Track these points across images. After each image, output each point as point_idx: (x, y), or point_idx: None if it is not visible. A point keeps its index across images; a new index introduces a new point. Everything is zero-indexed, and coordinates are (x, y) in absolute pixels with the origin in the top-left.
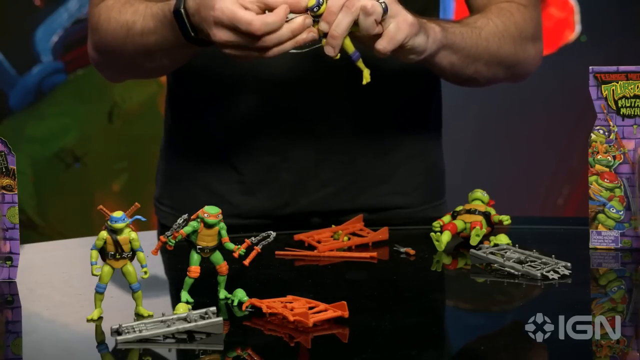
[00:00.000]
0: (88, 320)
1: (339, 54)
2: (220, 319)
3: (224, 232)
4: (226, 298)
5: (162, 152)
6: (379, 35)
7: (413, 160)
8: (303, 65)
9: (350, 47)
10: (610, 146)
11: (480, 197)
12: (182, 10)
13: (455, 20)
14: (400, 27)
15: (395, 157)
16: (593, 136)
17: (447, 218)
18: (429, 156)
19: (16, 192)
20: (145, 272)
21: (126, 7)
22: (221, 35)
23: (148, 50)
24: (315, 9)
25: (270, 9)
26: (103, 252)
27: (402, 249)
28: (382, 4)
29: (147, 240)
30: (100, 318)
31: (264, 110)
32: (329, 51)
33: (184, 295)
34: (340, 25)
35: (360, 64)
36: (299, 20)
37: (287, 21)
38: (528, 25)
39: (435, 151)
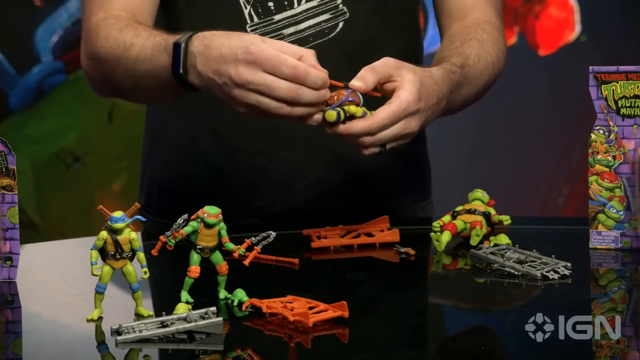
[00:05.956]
0: (88, 320)
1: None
2: (220, 319)
3: (224, 232)
4: (226, 298)
5: (145, 159)
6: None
7: (400, 161)
8: None
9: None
10: (610, 146)
11: (480, 197)
12: (183, 44)
13: (462, 58)
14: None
15: (383, 158)
16: (593, 136)
17: (447, 218)
18: (416, 157)
19: (16, 192)
20: (145, 272)
21: (128, 28)
22: (247, 74)
23: (136, 77)
24: (335, 124)
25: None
26: (103, 252)
27: (402, 249)
28: (382, 150)
29: None
30: (100, 318)
31: None
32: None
33: (184, 295)
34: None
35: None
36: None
37: None
38: (505, 46)
39: (421, 152)
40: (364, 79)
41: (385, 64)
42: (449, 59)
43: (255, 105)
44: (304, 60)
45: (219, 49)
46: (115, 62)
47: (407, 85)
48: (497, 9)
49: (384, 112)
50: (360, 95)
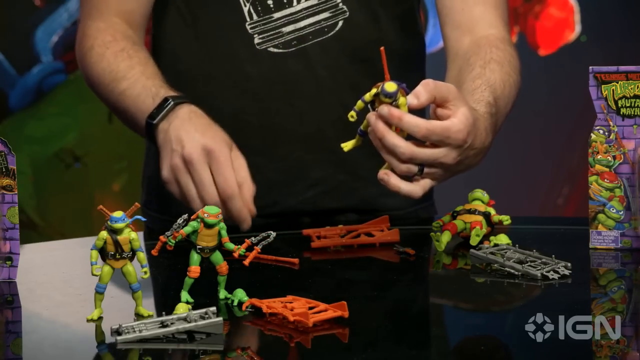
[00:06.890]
0: (88, 320)
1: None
2: (220, 319)
3: (224, 232)
4: (226, 298)
5: (147, 157)
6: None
7: None
8: (287, 64)
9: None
10: (610, 146)
11: (480, 197)
12: (172, 103)
13: (491, 90)
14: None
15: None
16: (593, 136)
17: (447, 218)
18: None
19: (16, 192)
20: (145, 272)
21: (123, 55)
22: (197, 157)
23: (115, 106)
24: (390, 97)
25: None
26: (103, 252)
27: (402, 249)
28: (419, 172)
29: None
30: (100, 318)
31: (249, 110)
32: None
33: (184, 295)
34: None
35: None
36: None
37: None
38: (519, 61)
39: None
40: (418, 94)
41: (447, 85)
42: (479, 93)
43: (182, 184)
44: (241, 190)
45: (199, 125)
46: (101, 86)
47: (461, 116)
48: (504, 19)
49: (435, 122)
50: (406, 89)
